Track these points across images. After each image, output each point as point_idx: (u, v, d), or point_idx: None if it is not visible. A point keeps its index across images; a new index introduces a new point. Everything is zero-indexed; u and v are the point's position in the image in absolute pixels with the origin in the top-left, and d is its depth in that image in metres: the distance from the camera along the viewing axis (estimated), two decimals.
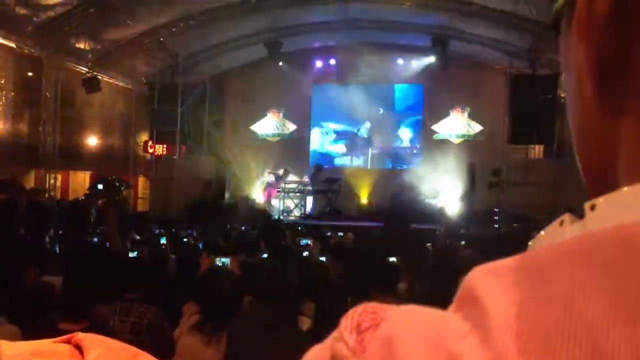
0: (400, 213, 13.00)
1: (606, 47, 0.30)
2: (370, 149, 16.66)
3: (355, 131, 16.76)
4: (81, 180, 14.30)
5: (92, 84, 12.89)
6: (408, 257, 4.74)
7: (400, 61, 16.02)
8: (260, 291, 2.98)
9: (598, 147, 0.33)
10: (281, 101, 16.84)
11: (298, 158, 16.07)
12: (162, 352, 2.76)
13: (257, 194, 15.34)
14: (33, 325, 2.76)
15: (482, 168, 13.42)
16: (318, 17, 14.52)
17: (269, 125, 17.23)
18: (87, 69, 13.15)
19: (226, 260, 4.48)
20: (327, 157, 16.84)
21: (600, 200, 0.29)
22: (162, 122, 15.16)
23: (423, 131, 16.48)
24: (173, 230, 8.63)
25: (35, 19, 11.34)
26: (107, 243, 5.02)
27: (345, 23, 14.70)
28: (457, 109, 16.06)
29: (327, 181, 14.53)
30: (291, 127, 17.15)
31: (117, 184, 5.12)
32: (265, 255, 5.35)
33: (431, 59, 15.21)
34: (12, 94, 11.98)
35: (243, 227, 10.05)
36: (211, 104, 15.84)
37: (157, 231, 8.31)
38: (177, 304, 3.47)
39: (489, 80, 15.31)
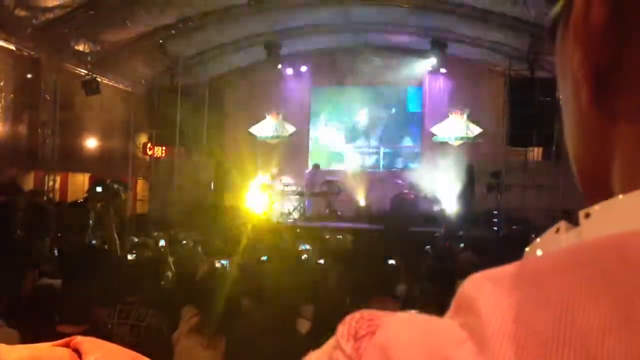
0: (399, 215, 13.03)
1: (602, 53, 0.31)
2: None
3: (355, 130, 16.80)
4: (80, 182, 14.27)
5: (91, 86, 12.85)
6: (407, 259, 4.74)
7: (399, 63, 16.02)
8: (259, 294, 2.98)
9: (593, 151, 0.34)
10: (280, 103, 16.84)
11: (297, 160, 16.07)
12: (160, 354, 2.76)
13: (256, 196, 15.32)
14: (32, 328, 2.75)
15: (481, 170, 13.42)
16: (317, 20, 14.53)
17: (268, 127, 17.20)
18: (86, 71, 13.13)
19: (225, 262, 4.48)
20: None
21: (595, 209, 0.30)
22: (162, 124, 15.15)
23: (422, 133, 16.48)
24: (172, 232, 8.63)
25: (34, 20, 11.32)
26: (106, 245, 5.02)
27: (344, 25, 14.71)
28: (456, 111, 16.06)
29: (326, 183, 14.56)
30: (290, 129, 17.15)
31: (116, 187, 5.12)
32: (264, 258, 5.35)
33: (430, 62, 15.22)
34: (11, 95, 11.95)
35: (242, 230, 10.03)
36: (210, 106, 15.81)
37: (156, 233, 8.31)
38: (176, 307, 3.47)
39: (488, 82, 15.29)
